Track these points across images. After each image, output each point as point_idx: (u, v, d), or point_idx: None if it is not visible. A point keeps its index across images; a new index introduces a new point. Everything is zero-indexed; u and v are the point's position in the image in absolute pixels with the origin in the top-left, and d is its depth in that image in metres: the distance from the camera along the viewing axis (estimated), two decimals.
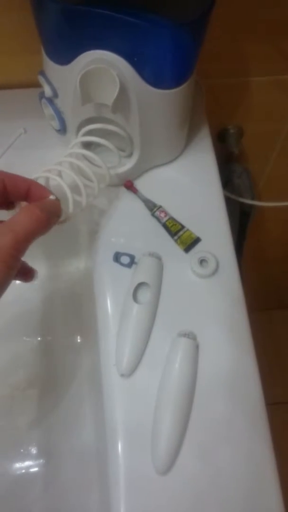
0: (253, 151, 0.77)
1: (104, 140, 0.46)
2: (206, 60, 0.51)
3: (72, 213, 0.44)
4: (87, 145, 0.50)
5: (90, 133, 0.47)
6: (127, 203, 0.52)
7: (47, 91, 0.48)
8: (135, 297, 0.46)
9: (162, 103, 0.45)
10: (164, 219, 0.50)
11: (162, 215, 0.50)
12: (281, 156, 0.80)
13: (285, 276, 1.22)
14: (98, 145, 0.48)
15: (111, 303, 0.47)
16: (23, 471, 0.51)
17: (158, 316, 0.46)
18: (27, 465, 0.52)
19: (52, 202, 0.39)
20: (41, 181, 0.45)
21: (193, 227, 0.50)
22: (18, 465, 0.52)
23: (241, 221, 0.81)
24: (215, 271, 0.48)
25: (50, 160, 0.53)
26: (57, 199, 0.40)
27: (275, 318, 1.45)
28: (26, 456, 0.52)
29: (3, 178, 0.38)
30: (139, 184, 0.53)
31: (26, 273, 0.44)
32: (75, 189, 0.45)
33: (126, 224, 0.51)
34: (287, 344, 1.42)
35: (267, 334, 1.39)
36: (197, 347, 0.44)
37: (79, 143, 0.48)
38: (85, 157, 0.48)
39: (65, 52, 0.42)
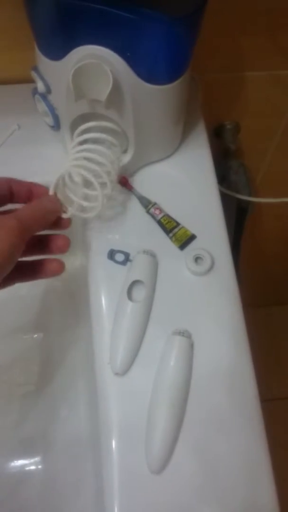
0: (250, 146, 0.77)
1: (104, 135, 0.45)
2: (202, 55, 0.50)
3: (101, 205, 0.46)
4: (82, 143, 0.50)
5: (84, 130, 0.46)
6: (122, 200, 0.52)
7: (40, 86, 0.47)
8: (129, 295, 0.45)
9: (156, 98, 0.45)
10: (159, 216, 0.50)
11: (157, 212, 0.50)
12: (278, 152, 0.79)
13: (283, 272, 1.22)
14: (94, 142, 0.47)
15: (105, 301, 0.46)
16: (19, 469, 0.51)
17: (153, 314, 0.45)
18: (22, 463, 0.52)
19: (50, 197, 0.43)
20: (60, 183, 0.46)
21: (189, 224, 0.50)
22: (13, 463, 0.52)
23: (238, 217, 0.81)
24: (210, 268, 0.47)
25: (44, 156, 0.53)
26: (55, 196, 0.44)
27: (272, 314, 1.45)
28: (21, 454, 0.52)
29: (10, 183, 0.42)
30: (134, 180, 0.52)
31: (37, 268, 0.44)
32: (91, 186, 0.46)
33: (121, 221, 0.50)
34: (284, 340, 1.41)
35: (264, 330, 1.39)
36: (192, 345, 0.44)
37: (78, 142, 0.47)
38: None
39: (57, 47, 0.41)
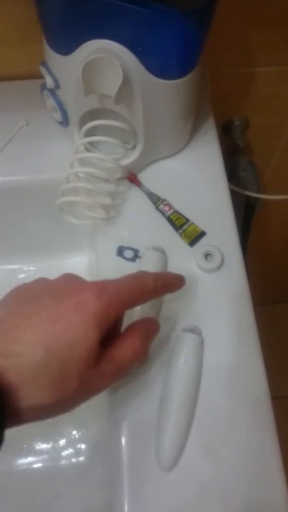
0: (258, 143, 0.76)
1: (108, 138, 0.46)
2: (211, 50, 0.50)
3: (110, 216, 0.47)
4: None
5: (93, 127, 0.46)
6: (131, 196, 0.51)
7: (49, 82, 0.47)
8: None
9: (166, 94, 0.44)
10: (169, 213, 0.49)
11: (167, 208, 0.49)
12: (287, 149, 0.78)
13: None
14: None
15: None
16: (26, 467, 0.51)
17: (162, 311, 0.45)
18: (30, 461, 0.51)
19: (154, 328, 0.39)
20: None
21: (198, 220, 0.49)
22: (21, 461, 0.51)
23: (246, 214, 0.80)
24: (220, 265, 0.47)
25: (52, 153, 0.52)
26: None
27: (279, 311, 1.44)
28: (29, 452, 0.52)
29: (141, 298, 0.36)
30: (142, 177, 0.52)
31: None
32: (93, 192, 0.47)
33: (130, 218, 0.50)
34: None
35: (271, 328, 1.38)
36: (202, 342, 0.43)
37: (83, 143, 0.47)
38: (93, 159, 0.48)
39: (67, 41, 0.41)
